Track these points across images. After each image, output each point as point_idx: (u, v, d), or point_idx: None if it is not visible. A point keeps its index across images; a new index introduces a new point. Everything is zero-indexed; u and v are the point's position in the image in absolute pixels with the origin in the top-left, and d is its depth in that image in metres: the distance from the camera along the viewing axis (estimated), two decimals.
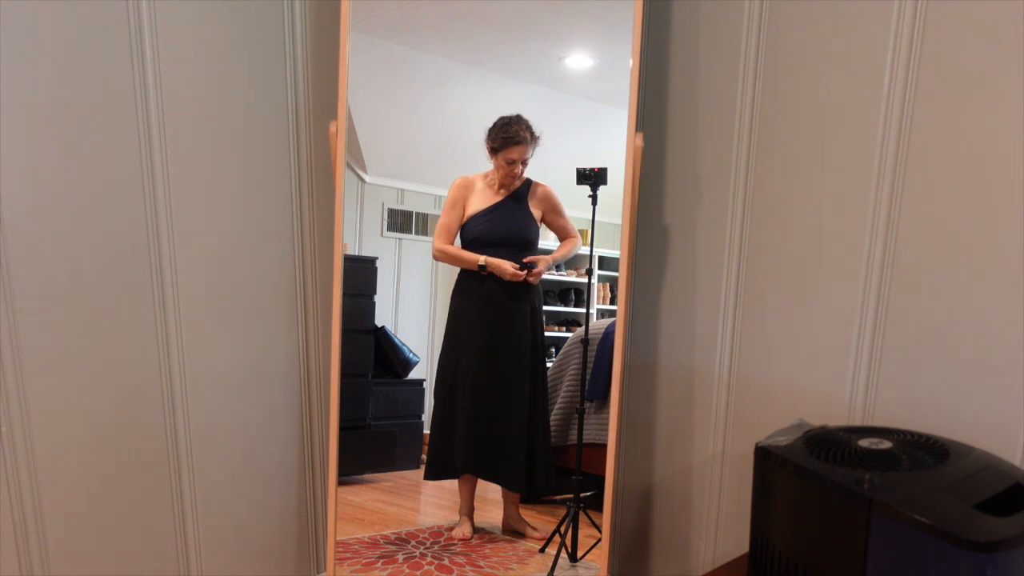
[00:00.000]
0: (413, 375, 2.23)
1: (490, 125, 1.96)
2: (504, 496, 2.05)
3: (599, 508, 1.63)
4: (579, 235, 2.05)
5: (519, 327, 2.00)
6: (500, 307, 2.00)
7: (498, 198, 2.01)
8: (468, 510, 2.04)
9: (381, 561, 1.82)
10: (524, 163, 1.97)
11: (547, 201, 2.02)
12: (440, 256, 2.05)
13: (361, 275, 2.12)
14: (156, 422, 1.58)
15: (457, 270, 2.04)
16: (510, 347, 2.01)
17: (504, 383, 2.00)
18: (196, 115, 1.59)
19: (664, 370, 1.74)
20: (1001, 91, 1.23)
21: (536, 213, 2.01)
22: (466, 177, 2.04)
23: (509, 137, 1.95)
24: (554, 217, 2.03)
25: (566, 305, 2.36)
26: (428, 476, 2.14)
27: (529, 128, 1.96)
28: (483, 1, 1.92)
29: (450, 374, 2.02)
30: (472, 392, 2.00)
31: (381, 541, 1.92)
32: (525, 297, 2.00)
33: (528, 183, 2.00)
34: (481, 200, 2.02)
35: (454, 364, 2.02)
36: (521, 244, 2.00)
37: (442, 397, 2.03)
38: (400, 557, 1.84)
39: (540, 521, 2.04)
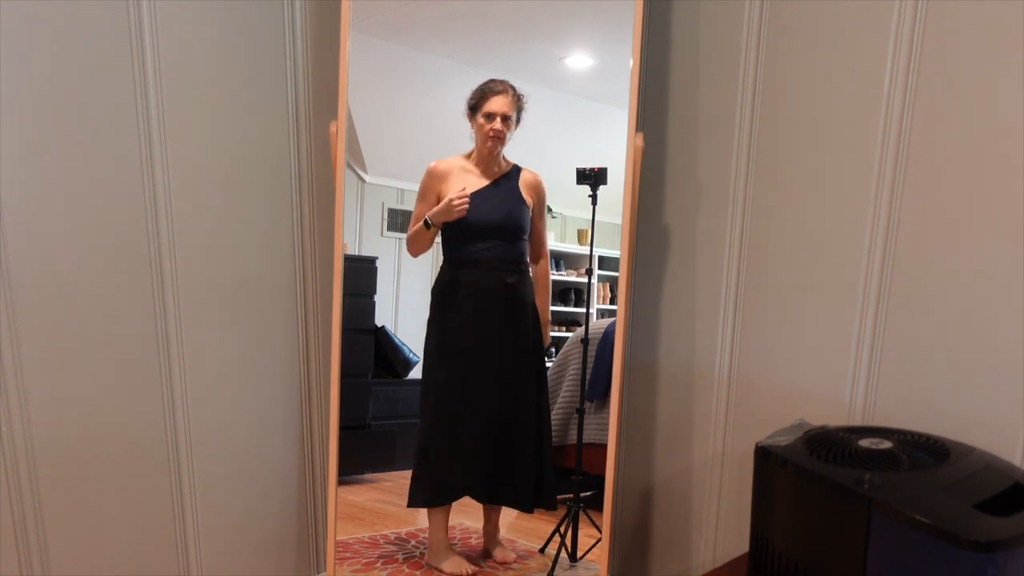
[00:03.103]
0: (413, 375, 2.23)
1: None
2: (491, 512, 1.90)
3: (599, 508, 1.63)
4: (548, 254, 1.91)
5: (519, 328, 1.83)
6: (495, 306, 1.82)
7: (484, 182, 1.80)
8: (448, 543, 1.83)
9: (381, 561, 1.81)
10: (506, 122, 1.77)
11: (536, 191, 1.83)
12: (410, 249, 1.85)
13: (361, 275, 2.11)
14: (156, 421, 1.58)
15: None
16: (511, 351, 1.83)
17: (508, 393, 1.82)
18: (196, 115, 1.59)
19: (664, 370, 1.74)
20: (1001, 91, 1.23)
21: (527, 199, 1.82)
22: (441, 161, 1.81)
23: (488, 89, 1.76)
24: (537, 216, 1.84)
25: (566, 305, 2.36)
26: (420, 503, 1.84)
27: (513, 87, 1.77)
28: (483, 1, 1.91)
29: (439, 389, 1.82)
30: (474, 407, 1.81)
31: (381, 541, 1.92)
32: (520, 291, 1.82)
33: (517, 168, 1.83)
34: (462, 184, 1.79)
35: (443, 378, 1.82)
36: (514, 231, 1.81)
37: (438, 415, 1.82)
38: (400, 557, 1.84)
39: (540, 521, 2.03)
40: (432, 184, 1.80)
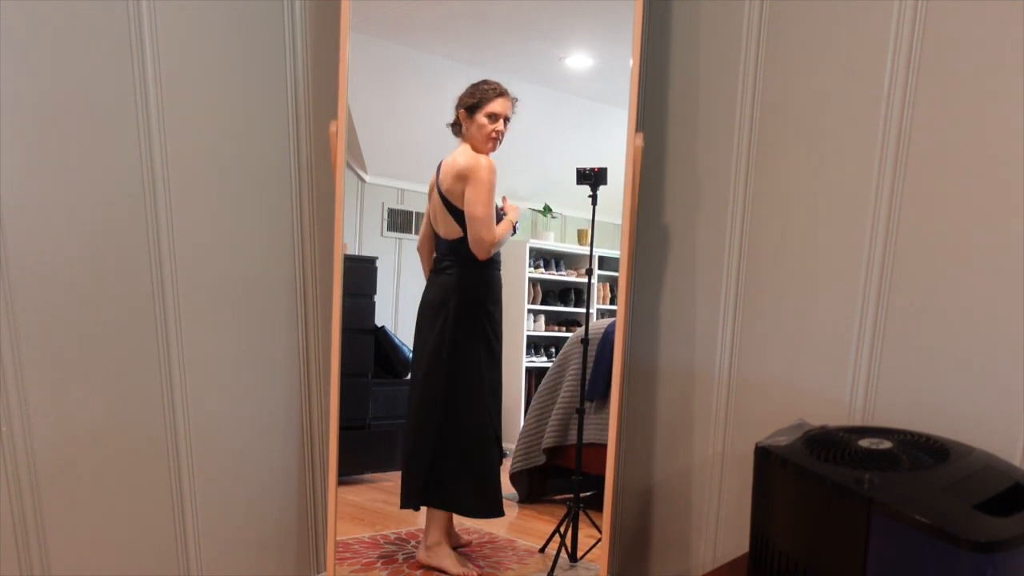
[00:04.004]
0: None
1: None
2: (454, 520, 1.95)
3: (599, 508, 1.63)
4: None
5: None
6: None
7: None
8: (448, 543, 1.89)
9: (381, 561, 1.82)
10: (506, 123, 1.80)
11: None
12: (495, 247, 1.82)
13: (361, 275, 2.11)
14: (156, 422, 1.58)
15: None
16: None
17: None
18: (196, 115, 1.59)
19: (664, 370, 1.74)
20: (1001, 91, 1.23)
21: None
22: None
23: (490, 88, 1.79)
24: None
25: (566, 305, 2.36)
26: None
27: (507, 90, 1.81)
28: (483, 1, 1.91)
29: (493, 382, 1.89)
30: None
31: (381, 541, 1.92)
32: None
33: None
34: None
35: (496, 372, 1.90)
36: None
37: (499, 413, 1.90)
38: (400, 557, 1.84)
39: (540, 521, 2.03)
40: None
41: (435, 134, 2.17)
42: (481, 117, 1.79)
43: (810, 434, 1.21)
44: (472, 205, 1.78)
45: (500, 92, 1.79)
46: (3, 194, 1.36)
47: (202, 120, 1.60)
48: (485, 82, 1.80)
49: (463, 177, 1.79)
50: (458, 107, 1.82)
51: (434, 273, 1.86)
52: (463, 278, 1.83)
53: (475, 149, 1.81)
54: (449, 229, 1.82)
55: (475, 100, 1.80)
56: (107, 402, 1.52)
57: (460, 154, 1.81)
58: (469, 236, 1.79)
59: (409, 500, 1.89)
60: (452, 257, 1.83)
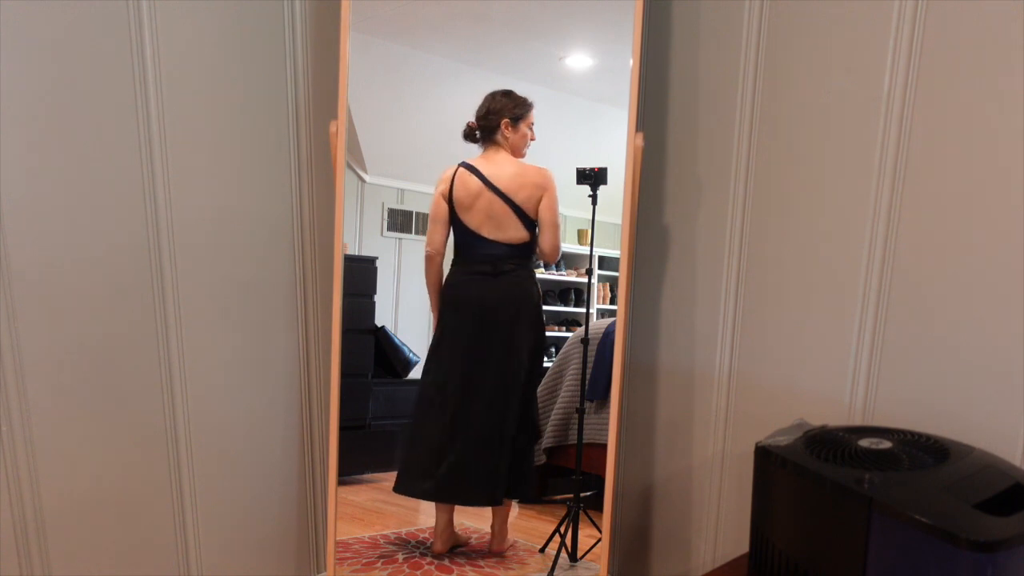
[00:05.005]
0: (413, 375, 2.23)
1: (490, 103, 1.91)
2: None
3: (599, 508, 1.63)
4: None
5: None
6: None
7: None
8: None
9: (381, 561, 1.82)
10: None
11: None
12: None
13: (361, 275, 2.11)
14: (156, 422, 1.58)
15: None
16: None
17: None
18: (196, 115, 1.59)
19: (664, 370, 1.74)
20: (1001, 90, 1.23)
21: None
22: None
23: (526, 100, 1.92)
24: None
25: (566, 305, 2.36)
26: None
27: None
28: (483, 1, 1.91)
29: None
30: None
31: (381, 541, 1.92)
32: None
33: None
34: None
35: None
36: None
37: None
38: (400, 557, 1.84)
39: (540, 521, 2.03)
40: None
41: (435, 134, 2.17)
42: (524, 127, 1.91)
43: (810, 434, 1.21)
44: (552, 213, 1.90)
45: (532, 104, 1.92)
46: (2, 195, 1.36)
47: (202, 120, 1.60)
48: (514, 94, 1.91)
49: (542, 186, 1.89)
50: (500, 118, 1.90)
51: (485, 275, 1.89)
52: (534, 280, 1.94)
53: (517, 156, 1.92)
54: (518, 233, 1.89)
55: (522, 112, 1.91)
56: (107, 401, 1.52)
57: (524, 164, 1.92)
58: (546, 242, 1.90)
59: (480, 499, 1.96)
60: (514, 261, 1.91)
